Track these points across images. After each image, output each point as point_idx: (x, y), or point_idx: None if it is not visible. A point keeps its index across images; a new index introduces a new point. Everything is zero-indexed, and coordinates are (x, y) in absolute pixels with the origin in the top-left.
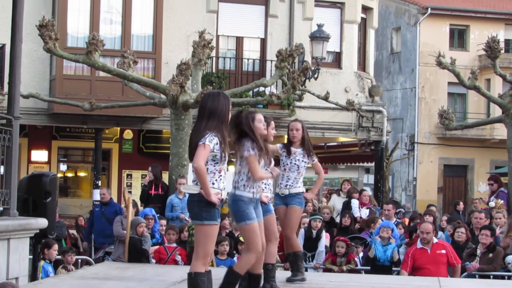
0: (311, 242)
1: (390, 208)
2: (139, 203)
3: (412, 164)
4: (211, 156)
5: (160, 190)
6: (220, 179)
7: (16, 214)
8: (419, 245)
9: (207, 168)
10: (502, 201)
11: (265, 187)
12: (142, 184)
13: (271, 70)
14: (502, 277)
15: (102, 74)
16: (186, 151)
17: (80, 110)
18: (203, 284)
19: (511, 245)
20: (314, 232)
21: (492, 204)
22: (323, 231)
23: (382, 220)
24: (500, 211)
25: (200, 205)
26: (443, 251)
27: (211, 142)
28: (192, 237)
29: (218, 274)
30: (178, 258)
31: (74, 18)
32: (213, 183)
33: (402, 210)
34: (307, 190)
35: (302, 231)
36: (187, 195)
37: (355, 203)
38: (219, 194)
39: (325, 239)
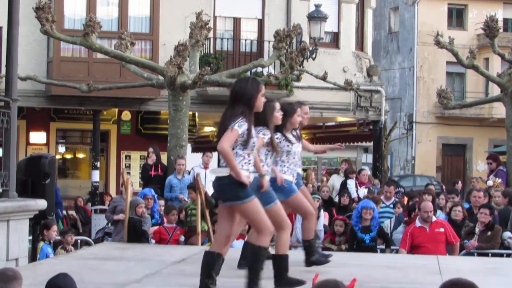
0: None
1: (391, 190)
2: (137, 184)
3: (411, 143)
4: (241, 141)
5: (159, 171)
6: (250, 163)
7: (15, 195)
8: (417, 223)
9: (236, 152)
10: (500, 180)
11: (287, 170)
12: (142, 165)
13: (269, 51)
14: (501, 255)
15: (99, 56)
16: (184, 131)
17: (78, 92)
18: (264, 258)
19: (509, 222)
20: None
21: (490, 183)
22: (321, 210)
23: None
24: (499, 189)
25: (232, 187)
26: (442, 230)
27: (240, 128)
28: (189, 217)
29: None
30: (182, 238)
31: (71, 0)
32: (242, 166)
33: (401, 189)
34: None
35: None
36: (186, 176)
37: (351, 183)
38: (249, 178)
39: (323, 218)
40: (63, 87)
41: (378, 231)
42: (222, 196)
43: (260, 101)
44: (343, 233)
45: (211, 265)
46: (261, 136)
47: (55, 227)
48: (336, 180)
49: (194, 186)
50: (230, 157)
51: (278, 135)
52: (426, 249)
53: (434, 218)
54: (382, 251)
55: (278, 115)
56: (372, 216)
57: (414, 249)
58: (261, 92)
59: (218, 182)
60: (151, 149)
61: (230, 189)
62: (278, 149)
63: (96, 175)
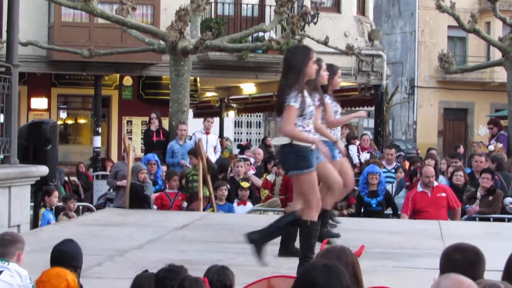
0: None
1: (392, 153)
2: (139, 149)
3: (412, 108)
4: (299, 112)
5: (161, 136)
6: (310, 132)
7: (16, 162)
8: (419, 188)
9: (295, 124)
10: (501, 145)
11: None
12: (144, 130)
13: (270, 15)
14: (502, 219)
15: (101, 21)
16: (185, 97)
17: (79, 57)
18: (317, 233)
19: (510, 187)
20: None
21: (491, 147)
22: None
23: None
24: (501, 153)
25: (295, 155)
26: (443, 194)
27: (296, 102)
28: (191, 183)
29: (220, 219)
30: (184, 204)
31: None
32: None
33: (402, 153)
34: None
35: None
36: (187, 141)
37: (353, 149)
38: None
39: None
40: (64, 52)
41: (385, 195)
42: (285, 165)
43: (312, 68)
44: (344, 198)
45: (309, 235)
46: (317, 103)
47: (56, 193)
48: None
49: (195, 152)
50: (299, 135)
51: (327, 96)
52: (427, 214)
53: (435, 183)
54: (387, 217)
55: (324, 74)
56: (378, 181)
57: (415, 214)
58: (312, 60)
59: (282, 151)
60: (153, 115)
61: (292, 157)
62: (330, 110)
63: (97, 141)
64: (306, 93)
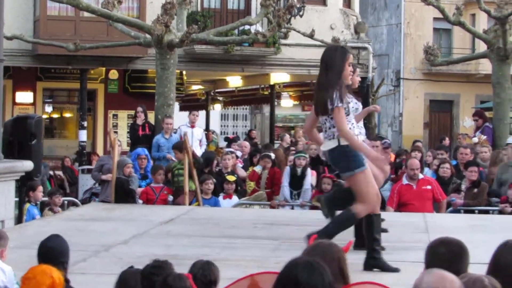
0: (296, 180)
1: (378, 145)
2: (125, 143)
3: (398, 100)
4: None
5: (147, 130)
6: (355, 127)
7: (1, 157)
8: (404, 181)
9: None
10: (485, 137)
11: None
12: (130, 124)
13: (256, 8)
14: (487, 212)
15: (86, 14)
16: (171, 90)
17: (65, 51)
18: (379, 225)
19: (495, 180)
20: (299, 169)
21: (475, 139)
22: (308, 169)
23: None
24: (485, 145)
25: (345, 157)
26: (429, 187)
27: (342, 102)
28: (176, 177)
29: (205, 213)
30: (170, 198)
31: None
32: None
33: (387, 141)
34: None
35: (287, 168)
36: (173, 135)
37: None
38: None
39: (310, 177)
40: (49, 46)
41: None
42: (338, 167)
43: (347, 70)
44: (330, 191)
45: (373, 227)
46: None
47: (41, 188)
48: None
49: (180, 146)
50: (353, 138)
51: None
52: (413, 206)
53: (421, 176)
54: None
55: (357, 79)
56: None
57: (401, 206)
58: (348, 61)
59: (331, 156)
60: (140, 109)
61: (343, 160)
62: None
63: (83, 135)
64: (345, 90)
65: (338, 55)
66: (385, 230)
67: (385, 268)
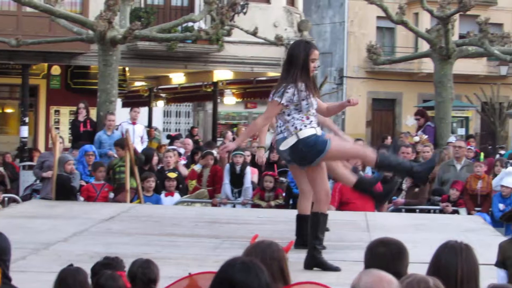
0: (236, 178)
1: None
2: (67, 139)
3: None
4: (293, 106)
5: (89, 126)
6: (311, 124)
7: None
8: None
9: (293, 117)
10: (426, 136)
11: None
12: (71, 121)
13: (200, 5)
14: (428, 211)
15: (29, 9)
16: (114, 87)
17: (7, 46)
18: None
19: (436, 179)
20: (238, 167)
21: (416, 138)
22: (248, 167)
23: None
24: (428, 144)
25: (306, 147)
26: None
27: (281, 97)
28: (118, 174)
29: (147, 211)
30: (111, 195)
31: None
32: (304, 127)
33: None
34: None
35: (227, 166)
36: (115, 132)
37: None
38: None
39: (250, 175)
40: None
41: None
42: (302, 162)
43: (310, 65)
44: (272, 188)
45: (318, 226)
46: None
47: None
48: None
49: (121, 143)
50: (248, 130)
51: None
52: (354, 205)
53: (362, 174)
54: None
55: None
56: None
57: (342, 205)
58: (310, 57)
59: (292, 152)
60: (81, 105)
61: (304, 152)
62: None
63: (24, 131)
64: (303, 86)
65: (301, 49)
66: (326, 229)
67: (326, 267)
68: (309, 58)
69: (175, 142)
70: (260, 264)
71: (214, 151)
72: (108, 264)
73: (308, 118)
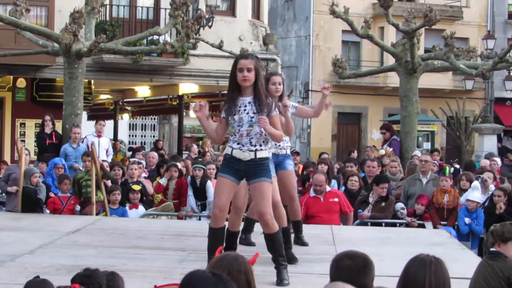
0: (199, 191)
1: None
2: (32, 151)
3: None
4: (228, 121)
5: (54, 139)
6: (234, 141)
7: None
8: (312, 193)
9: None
10: (391, 149)
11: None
12: (36, 133)
13: (165, 19)
14: (394, 225)
15: None
16: (79, 100)
17: None
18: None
19: (402, 193)
20: (198, 181)
21: (382, 152)
22: (209, 181)
23: None
24: (395, 159)
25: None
26: (336, 199)
27: (223, 111)
28: (84, 188)
29: (112, 224)
30: (78, 208)
31: None
32: (230, 142)
33: (294, 149)
34: None
35: (188, 179)
36: (80, 145)
37: None
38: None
39: (212, 188)
40: None
41: None
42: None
43: (238, 76)
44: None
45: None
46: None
47: None
48: None
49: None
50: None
51: None
52: (320, 218)
53: (328, 188)
54: None
55: (271, 87)
56: None
57: (308, 219)
58: (237, 67)
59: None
60: (47, 117)
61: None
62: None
63: None
64: (237, 101)
65: (233, 65)
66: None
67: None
68: (236, 68)
69: (137, 154)
70: (226, 277)
71: (178, 164)
72: (89, 276)
73: (234, 135)
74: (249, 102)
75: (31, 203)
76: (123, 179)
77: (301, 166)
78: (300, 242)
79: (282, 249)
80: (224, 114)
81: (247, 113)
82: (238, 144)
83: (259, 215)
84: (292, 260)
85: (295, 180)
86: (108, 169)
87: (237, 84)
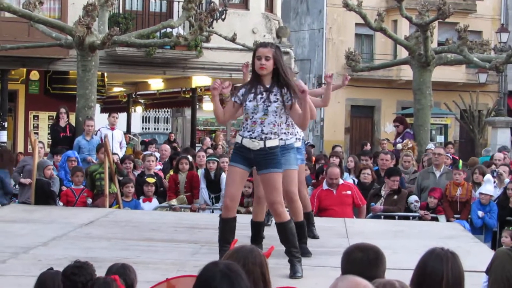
0: (212, 183)
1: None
2: (46, 144)
3: None
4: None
5: (68, 132)
6: (246, 128)
7: None
8: (324, 186)
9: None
10: (411, 144)
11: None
12: (50, 126)
13: (178, 11)
14: (407, 218)
15: (7, 14)
16: (92, 92)
17: None
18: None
19: (415, 186)
20: (212, 173)
21: (399, 146)
22: (223, 173)
23: None
24: (409, 153)
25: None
26: (349, 192)
27: (234, 97)
28: (98, 181)
29: (126, 216)
30: (89, 201)
31: None
32: (241, 130)
33: (308, 141)
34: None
35: (202, 171)
36: (94, 137)
37: None
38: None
39: None
40: None
41: None
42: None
43: (255, 64)
44: (251, 194)
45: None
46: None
47: None
48: None
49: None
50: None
51: None
52: (333, 211)
53: (341, 181)
54: None
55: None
56: None
57: (321, 211)
58: (255, 55)
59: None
60: (63, 110)
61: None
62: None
63: (3, 136)
64: (255, 88)
65: (253, 52)
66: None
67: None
68: (254, 57)
69: (150, 147)
70: (240, 270)
71: (189, 156)
72: (80, 267)
73: (246, 120)
74: (266, 91)
75: (44, 195)
76: (134, 172)
77: (314, 159)
78: (311, 234)
79: (295, 240)
80: (236, 99)
81: (264, 101)
82: (248, 131)
83: (269, 204)
84: (306, 253)
85: (303, 174)
86: (122, 166)
87: (256, 72)
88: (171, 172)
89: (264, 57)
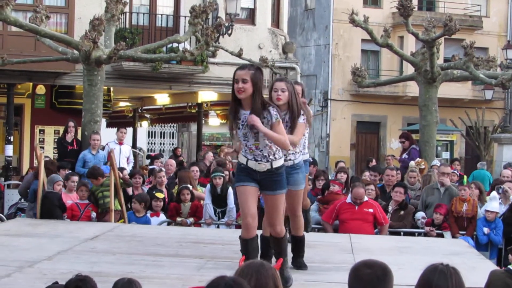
0: (218, 199)
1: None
2: (51, 156)
3: (326, 121)
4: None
5: (75, 145)
6: (245, 152)
7: None
8: (348, 199)
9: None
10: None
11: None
12: (57, 139)
13: (184, 26)
14: (412, 234)
15: (14, 29)
16: (98, 107)
17: None
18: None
19: (419, 202)
20: (218, 188)
21: (412, 163)
22: (230, 188)
23: None
24: (414, 169)
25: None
26: (371, 210)
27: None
28: (101, 199)
29: (131, 230)
30: (93, 214)
31: None
32: (242, 152)
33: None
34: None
35: (208, 187)
36: (100, 152)
37: None
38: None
39: (233, 196)
40: None
41: None
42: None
43: (234, 87)
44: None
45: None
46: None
47: None
48: None
49: (94, 174)
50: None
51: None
52: (350, 225)
53: (366, 198)
54: None
55: (273, 94)
56: None
57: (339, 224)
58: (234, 79)
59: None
60: (71, 123)
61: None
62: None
63: (9, 150)
64: (239, 114)
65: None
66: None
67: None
68: (233, 79)
69: (155, 162)
70: (246, 285)
71: (189, 186)
72: (84, 281)
73: (245, 146)
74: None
75: (53, 208)
76: (143, 187)
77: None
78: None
79: (286, 249)
80: (230, 128)
81: (250, 129)
82: (251, 155)
83: (271, 225)
84: (302, 266)
85: (306, 185)
86: (128, 177)
87: (236, 96)
88: (177, 187)
89: (241, 80)
